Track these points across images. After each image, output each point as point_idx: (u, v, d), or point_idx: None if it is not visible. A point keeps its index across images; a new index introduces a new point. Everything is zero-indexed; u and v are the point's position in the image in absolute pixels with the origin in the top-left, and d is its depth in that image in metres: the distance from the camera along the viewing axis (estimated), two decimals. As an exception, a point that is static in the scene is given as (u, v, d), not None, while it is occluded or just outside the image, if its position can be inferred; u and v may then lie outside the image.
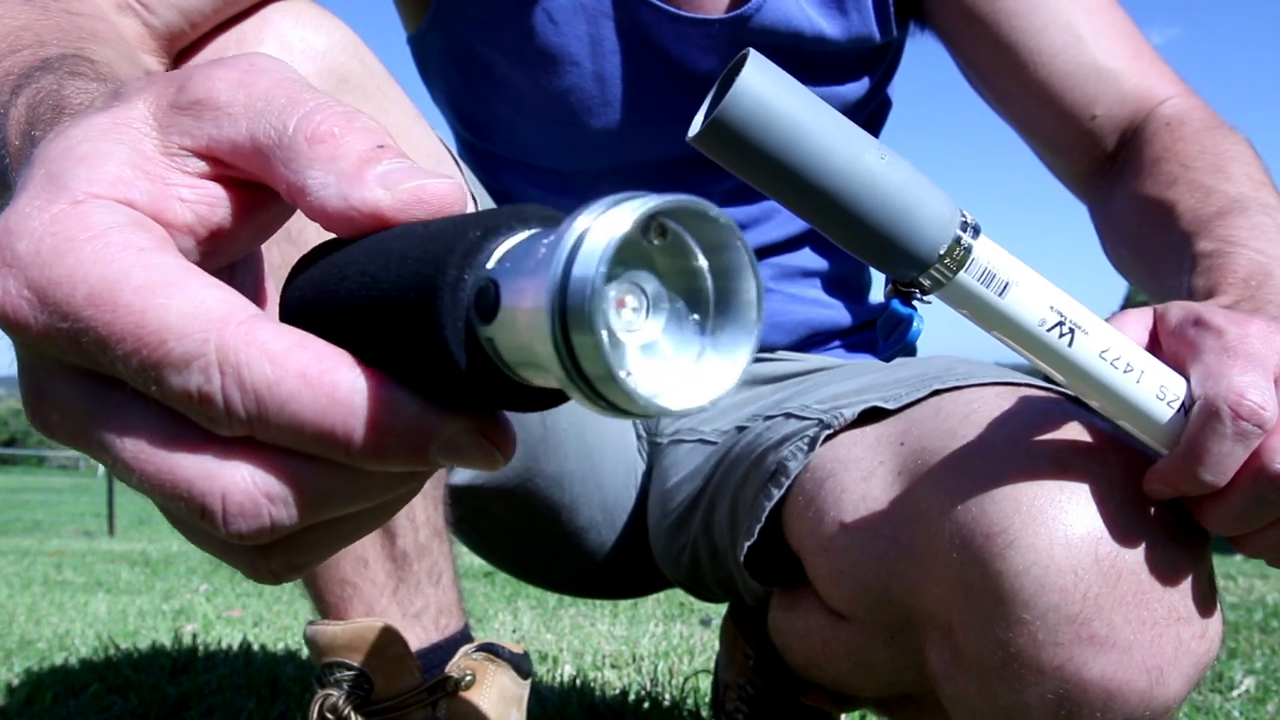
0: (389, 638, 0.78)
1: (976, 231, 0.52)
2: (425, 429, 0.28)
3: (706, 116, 0.50)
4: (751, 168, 0.50)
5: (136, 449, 0.28)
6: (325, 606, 0.81)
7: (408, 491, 0.31)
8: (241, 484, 0.28)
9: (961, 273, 0.52)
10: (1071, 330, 0.53)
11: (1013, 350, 0.55)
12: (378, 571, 0.80)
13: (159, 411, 0.28)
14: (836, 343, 1.01)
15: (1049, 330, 0.53)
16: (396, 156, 0.30)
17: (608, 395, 0.25)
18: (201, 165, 0.30)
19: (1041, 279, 0.54)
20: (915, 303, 0.54)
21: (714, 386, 0.27)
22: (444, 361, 0.27)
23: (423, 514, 0.82)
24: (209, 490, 0.28)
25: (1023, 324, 0.53)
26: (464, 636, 0.85)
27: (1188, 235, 0.74)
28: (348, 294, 0.29)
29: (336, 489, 0.28)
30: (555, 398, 0.29)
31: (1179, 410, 0.55)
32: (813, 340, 1.00)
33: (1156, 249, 0.80)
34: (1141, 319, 0.60)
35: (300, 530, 0.29)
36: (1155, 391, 0.55)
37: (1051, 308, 0.53)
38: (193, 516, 0.28)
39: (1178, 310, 0.59)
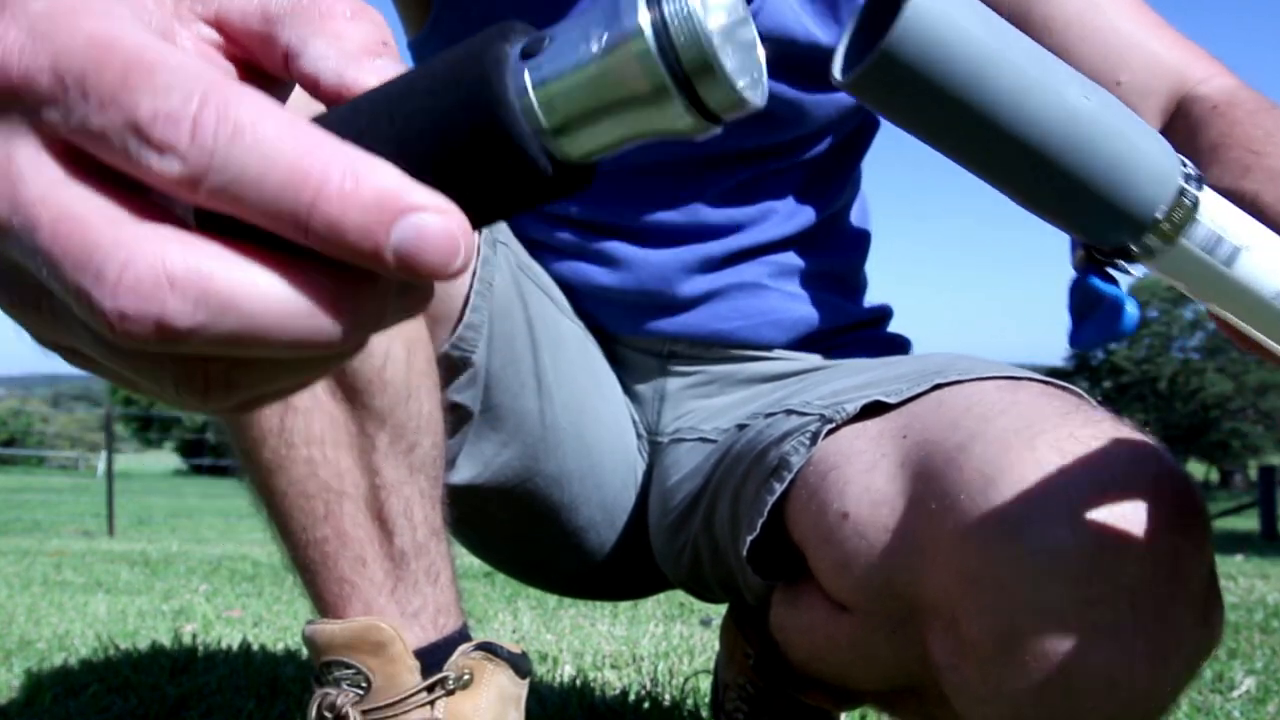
0: (387, 636, 0.78)
1: (1201, 183, 0.41)
2: (395, 194, 0.25)
3: (861, 51, 0.40)
4: (921, 112, 0.40)
5: (48, 189, 0.25)
6: (324, 605, 0.80)
7: (336, 344, 0.26)
8: (150, 257, 0.24)
9: (1184, 236, 0.41)
10: None
11: (1236, 324, 0.45)
12: (376, 570, 0.80)
13: (98, 171, 0.26)
14: (835, 340, 1.01)
15: None
16: (396, 60, 0.30)
17: (703, 88, 0.26)
18: (212, 34, 0.31)
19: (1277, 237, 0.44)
20: (1114, 275, 0.45)
21: (762, 77, 0.28)
22: (496, 132, 0.26)
23: (420, 513, 0.82)
24: (111, 254, 0.24)
25: (1258, 295, 0.43)
26: (462, 636, 0.85)
27: None
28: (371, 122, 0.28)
29: (247, 296, 0.25)
30: (565, 183, 0.28)
31: None
32: (811, 338, 1.00)
33: None
34: None
35: (206, 359, 0.26)
36: None
37: None
38: (76, 276, 0.25)
39: None
